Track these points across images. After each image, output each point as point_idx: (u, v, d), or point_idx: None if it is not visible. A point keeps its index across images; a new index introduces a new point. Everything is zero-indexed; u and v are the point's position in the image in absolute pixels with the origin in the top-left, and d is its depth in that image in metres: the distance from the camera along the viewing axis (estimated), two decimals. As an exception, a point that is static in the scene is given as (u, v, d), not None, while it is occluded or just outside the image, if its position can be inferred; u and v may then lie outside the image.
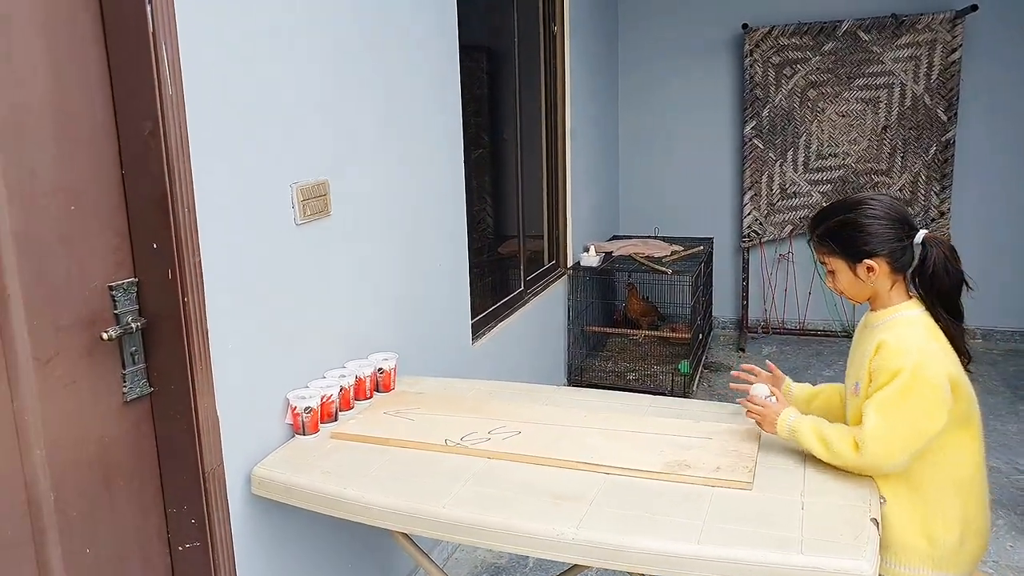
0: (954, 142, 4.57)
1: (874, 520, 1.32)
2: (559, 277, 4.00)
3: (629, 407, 1.86)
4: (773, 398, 1.58)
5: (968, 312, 1.56)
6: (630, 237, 4.88)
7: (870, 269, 1.51)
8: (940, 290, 1.50)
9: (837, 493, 1.41)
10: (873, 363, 1.47)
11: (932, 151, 4.62)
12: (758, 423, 1.59)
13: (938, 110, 4.56)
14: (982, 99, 4.54)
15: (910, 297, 1.55)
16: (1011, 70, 4.44)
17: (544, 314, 3.77)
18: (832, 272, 1.57)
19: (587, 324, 4.34)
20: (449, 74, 2.60)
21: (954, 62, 4.47)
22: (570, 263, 4.13)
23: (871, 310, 1.58)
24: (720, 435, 1.65)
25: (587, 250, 4.17)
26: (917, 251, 1.51)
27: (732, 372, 1.79)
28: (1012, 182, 4.58)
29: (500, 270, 3.48)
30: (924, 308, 1.53)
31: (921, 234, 1.51)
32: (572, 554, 1.34)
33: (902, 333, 1.48)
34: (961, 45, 4.44)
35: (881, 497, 1.46)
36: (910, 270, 1.53)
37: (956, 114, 4.53)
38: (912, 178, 4.68)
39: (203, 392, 1.51)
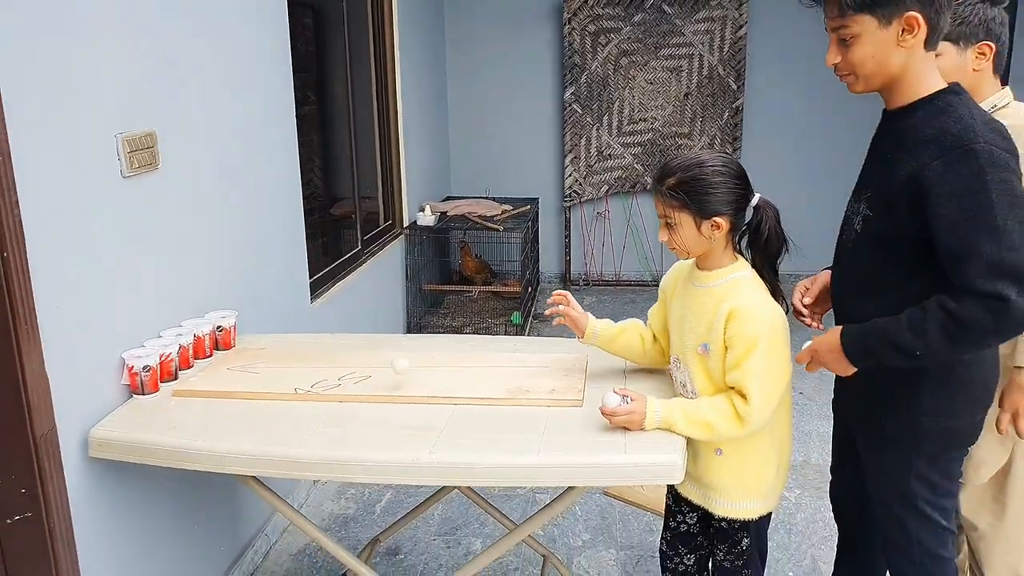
0: (743, 108, 5.11)
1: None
2: (395, 237, 4.04)
3: (471, 347, 1.99)
4: (628, 400, 1.50)
5: None
6: (463, 197, 5.00)
7: (716, 226, 1.49)
8: (769, 252, 1.54)
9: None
10: (729, 330, 1.48)
11: (725, 116, 5.14)
12: (626, 429, 1.50)
13: (729, 79, 5.07)
14: (766, 70, 5.10)
15: (736, 258, 1.57)
16: (789, 46, 5.01)
17: (383, 273, 3.81)
18: (672, 226, 1.52)
19: (424, 282, 4.43)
20: (278, 26, 2.55)
21: (741, 37, 4.98)
22: (406, 223, 4.19)
23: (699, 268, 1.58)
24: (552, 364, 1.82)
25: (423, 210, 4.24)
26: (749, 213, 1.54)
27: (548, 301, 1.76)
28: (792, 145, 5.20)
29: (337, 230, 3.47)
30: (751, 268, 1.57)
31: (756, 197, 1.53)
32: (429, 477, 1.44)
33: (748, 298, 1.50)
34: (747, 22, 4.95)
35: (718, 449, 1.57)
36: (740, 231, 1.55)
37: (744, 83, 5.07)
38: (709, 140, 5.18)
39: (29, 353, 1.44)
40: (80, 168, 1.59)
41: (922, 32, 1.32)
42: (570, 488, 1.55)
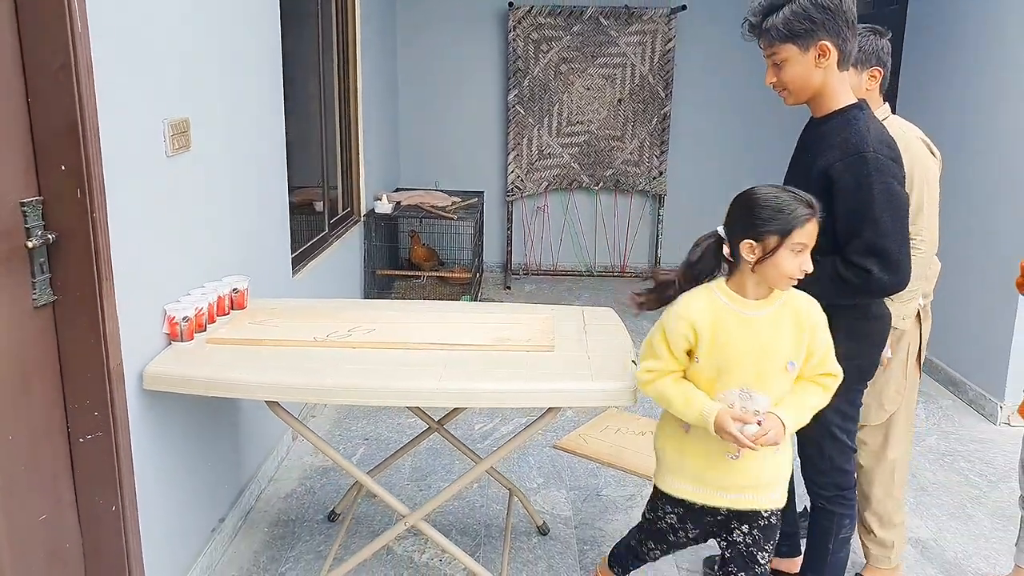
0: (670, 115, 5.64)
1: (633, 361, 1.97)
2: (355, 223, 4.35)
3: (455, 308, 2.37)
4: (759, 425, 1.58)
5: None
6: (413, 189, 5.34)
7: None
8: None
9: (609, 349, 2.05)
10: (818, 335, 1.63)
11: (654, 122, 5.66)
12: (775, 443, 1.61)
13: (658, 88, 5.60)
14: (691, 80, 5.66)
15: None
16: (712, 58, 5.58)
17: (344, 256, 4.13)
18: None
19: (378, 267, 4.75)
20: (273, 33, 2.86)
21: (670, 49, 5.51)
22: (363, 211, 4.50)
23: (748, 298, 1.62)
24: (525, 320, 2.22)
25: (379, 199, 4.56)
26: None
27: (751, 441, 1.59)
28: (713, 148, 5.78)
29: (306, 214, 3.77)
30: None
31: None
32: (441, 399, 1.82)
33: (812, 302, 1.65)
34: (675, 36, 5.48)
35: (684, 424, 1.71)
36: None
37: (671, 92, 5.60)
38: (640, 143, 5.70)
39: (108, 298, 1.73)
40: (138, 147, 1.88)
41: (833, 56, 1.71)
42: (549, 410, 1.95)
